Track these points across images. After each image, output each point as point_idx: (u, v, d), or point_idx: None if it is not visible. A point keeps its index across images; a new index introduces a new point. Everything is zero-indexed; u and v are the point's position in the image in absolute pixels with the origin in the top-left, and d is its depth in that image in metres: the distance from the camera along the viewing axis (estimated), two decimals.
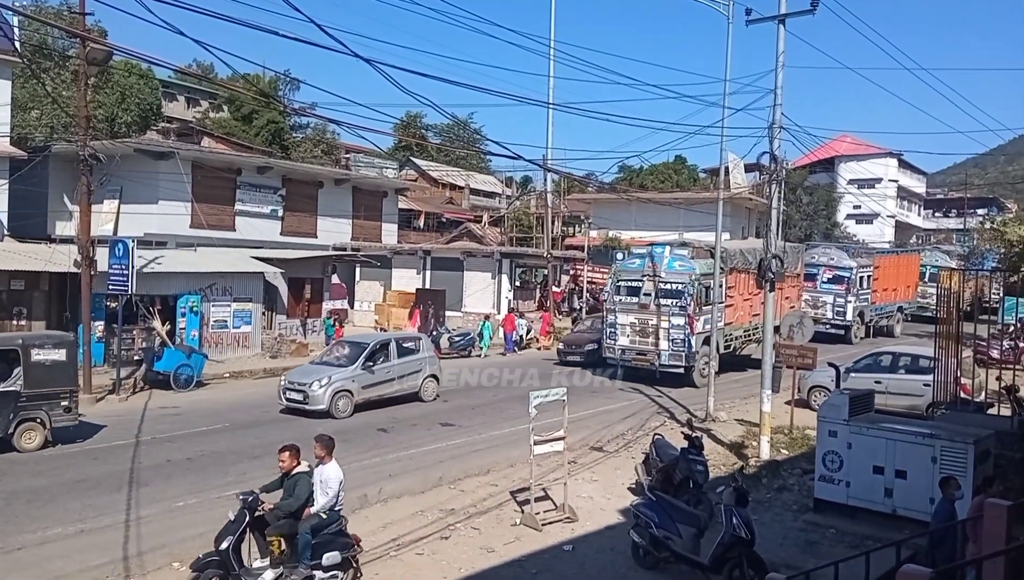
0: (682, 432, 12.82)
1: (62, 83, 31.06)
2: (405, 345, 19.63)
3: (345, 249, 34.38)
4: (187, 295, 24.09)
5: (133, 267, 20.44)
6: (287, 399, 17.85)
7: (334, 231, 34.18)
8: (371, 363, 18.32)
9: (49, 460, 13.93)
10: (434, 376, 19.90)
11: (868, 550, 8.14)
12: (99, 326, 21.60)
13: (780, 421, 16.81)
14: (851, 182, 56.99)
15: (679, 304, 21.45)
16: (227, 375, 22.91)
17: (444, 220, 52.06)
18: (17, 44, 23.39)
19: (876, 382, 16.66)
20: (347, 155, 53.00)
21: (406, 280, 36.96)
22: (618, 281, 22.90)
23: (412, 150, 61.57)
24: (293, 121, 50.36)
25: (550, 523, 11.10)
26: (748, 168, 43.26)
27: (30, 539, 10.20)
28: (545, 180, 37.68)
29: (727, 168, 21.18)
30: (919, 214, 79.78)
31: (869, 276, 32.62)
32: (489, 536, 10.67)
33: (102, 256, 20.63)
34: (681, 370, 21.54)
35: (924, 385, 16.42)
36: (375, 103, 32.67)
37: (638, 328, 22.11)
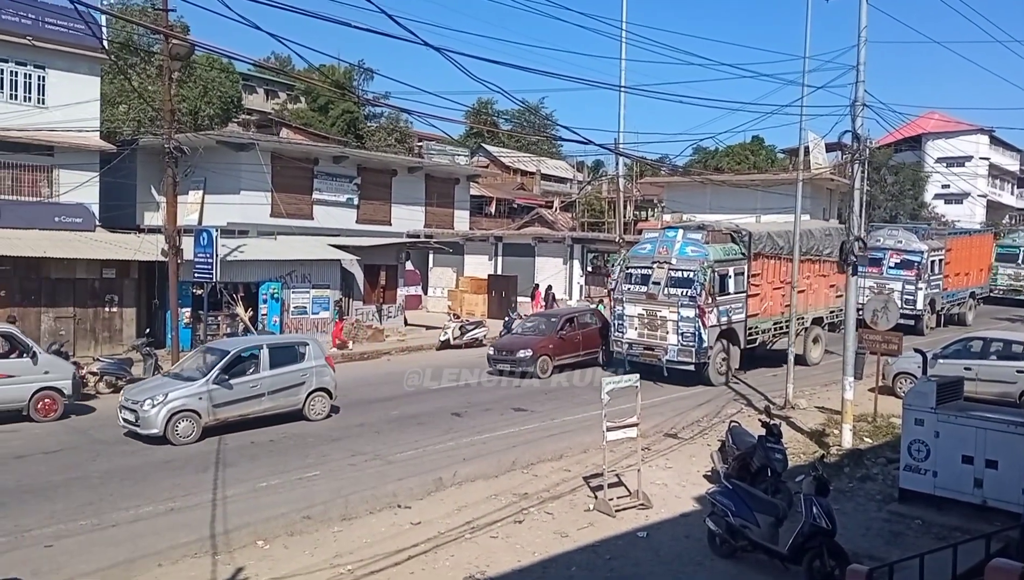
0: (759, 419, 12.56)
1: (147, 78, 32.29)
2: (282, 353, 16.04)
3: (418, 236, 34.82)
4: (268, 282, 24.84)
5: (217, 255, 21.22)
6: (123, 420, 14.72)
7: (408, 218, 34.62)
8: (227, 376, 14.89)
9: (140, 441, 14.60)
10: (324, 390, 16.28)
11: (956, 542, 7.83)
12: (186, 312, 22.45)
13: (863, 409, 16.28)
14: (939, 161, 54.51)
15: (689, 294, 19.24)
16: None
17: (515, 206, 52.13)
18: (105, 42, 24.39)
19: (966, 369, 15.92)
20: (420, 143, 53.57)
21: (478, 266, 37.22)
22: (627, 268, 20.80)
23: (483, 137, 61.78)
24: (367, 111, 51.18)
25: (624, 509, 11.05)
26: (829, 148, 41.80)
27: (123, 516, 10.73)
28: (617, 164, 37.28)
29: (807, 148, 20.11)
30: (1012, 193, 75.78)
31: (941, 260, 29.84)
32: (562, 521, 10.69)
33: (188, 245, 21.45)
34: (691, 366, 19.40)
35: (1018, 371, 15.64)
36: (446, 91, 32.95)
37: (646, 320, 20.00)
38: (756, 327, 20.93)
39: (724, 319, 19.71)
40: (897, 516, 10.88)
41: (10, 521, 10.41)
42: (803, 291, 21.55)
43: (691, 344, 19.20)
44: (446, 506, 11.19)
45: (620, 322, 20.60)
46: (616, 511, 10.92)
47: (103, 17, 25.07)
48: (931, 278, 29.00)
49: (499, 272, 36.08)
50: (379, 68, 71.19)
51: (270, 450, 14.20)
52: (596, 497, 11.40)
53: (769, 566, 9.16)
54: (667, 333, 19.59)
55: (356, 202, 32.36)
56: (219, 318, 23.22)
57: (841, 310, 22.76)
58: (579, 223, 46.84)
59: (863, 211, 15.22)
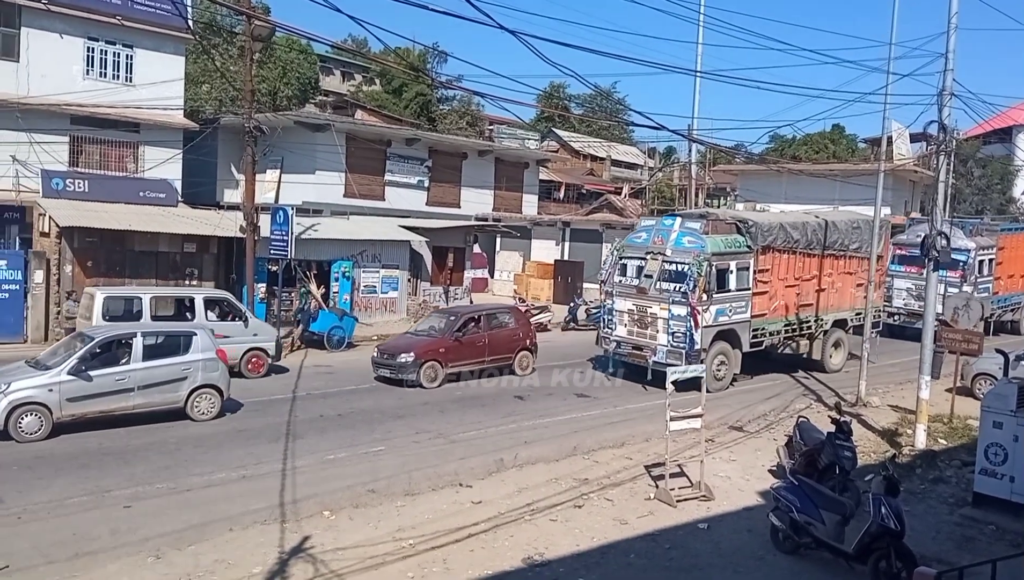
0: (829, 416, 12.29)
1: (229, 58, 33.23)
2: (161, 343, 14.23)
3: (487, 219, 35.00)
4: (340, 261, 25.38)
5: (292, 233, 21.76)
6: None
7: (476, 202, 34.82)
8: (86, 367, 13.17)
9: (386, 385, 15.62)
10: (212, 387, 14.37)
11: None
12: (261, 288, 23.10)
13: (939, 409, 15.76)
14: None
15: (682, 289, 17.49)
16: (375, 338, 24.00)
17: (584, 191, 51.85)
18: (190, 22, 25.15)
19: None
20: (491, 127, 53.71)
21: (545, 251, 37.21)
22: (621, 258, 19.02)
23: (554, 121, 61.55)
24: (440, 93, 51.54)
25: (685, 500, 10.98)
26: (914, 138, 40.35)
27: (197, 482, 11.19)
28: (690, 151, 36.69)
29: (890, 138, 19.41)
30: None
31: (991, 259, 27.08)
32: (622, 508, 10.69)
33: (265, 222, 22.07)
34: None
35: None
36: (519, 74, 32.95)
37: (636, 316, 18.28)
38: (763, 329, 18.88)
39: (723, 319, 17.86)
40: (970, 520, 10.53)
41: (91, 482, 10.96)
42: (823, 290, 20.25)
43: (681, 345, 17.35)
44: (507, 487, 11.31)
45: (609, 318, 18.98)
46: (677, 501, 10.86)
47: None
48: (978, 280, 26.28)
49: (566, 257, 36.01)
50: (453, 50, 71.63)
51: (338, 424, 14.57)
52: (657, 486, 11.35)
53: (832, 564, 9.00)
54: (657, 332, 17.85)
55: (427, 184, 32.69)
56: (293, 294, 23.82)
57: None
58: (649, 210, 46.34)
59: (947, 205, 14.66)
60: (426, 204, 32.56)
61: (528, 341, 19.60)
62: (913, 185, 43.43)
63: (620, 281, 18.79)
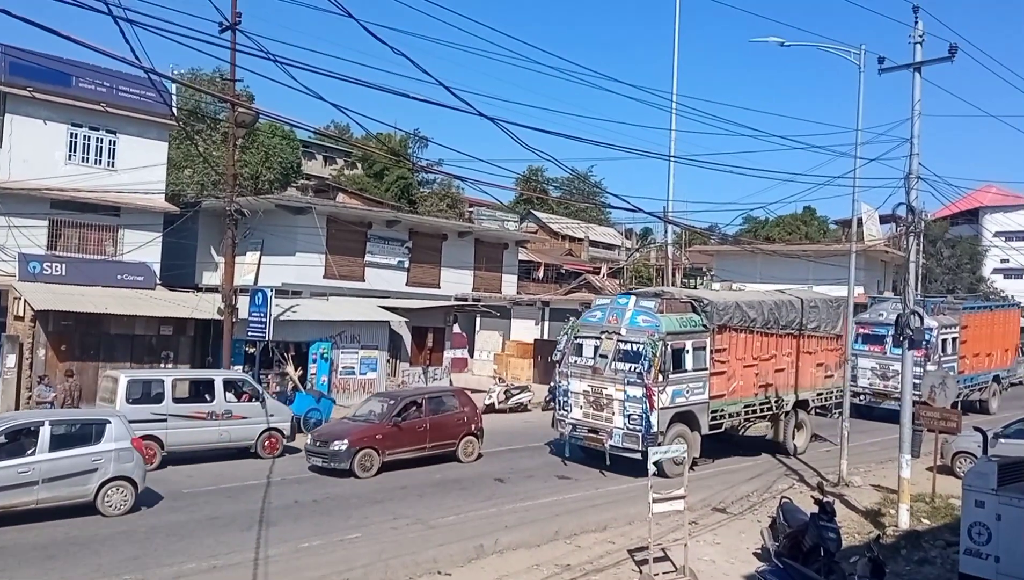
0: (812, 496, 12.22)
1: (212, 144, 33.69)
2: (70, 432, 13.36)
3: (466, 299, 35.11)
4: (319, 342, 25.22)
5: (271, 315, 21.70)
6: None
7: (456, 282, 35.00)
8: None
9: (188, 497, 14.76)
10: (126, 479, 13.32)
11: None
12: (238, 370, 22.85)
13: (921, 488, 15.68)
14: (997, 234, 53.35)
15: (636, 370, 16.82)
16: None
17: (563, 271, 52.37)
18: (174, 109, 25.61)
19: None
20: (470, 208, 54.51)
21: (525, 330, 37.27)
22: (576, 337, 18.45)
23: (533, 203, 62.59)
24: (420, 177, 52.40)
25: None
26: (883, 219, 41.38)
27: (167, 573, 10.79)
28: (666, 232, 37.35)
29: (860, 219, 19.86)
30: None
31: (955, 338, 26.57)
32: None
33: (243, 304, 21.99)
34: (637, 454, 16.49)
35: None
36: (498, 158, 33.65)
37: (591, 398, 17.59)
38: (722, 410, 18.23)
39: (680, 400, 17.24)
40: None
41: (57, 574, 10.54)
42: (783, 370, 19.84)
43: (638, 428, 16.66)
44: (487, 575, 11.01)
45: (565, 399, 18.21)
46: None
47: (173, 86, 26.40)
48: (942, 359, 25.65)
49: (546, 337, 36.06)
50: (433, 136, 73.15)
51: (313, 510, 14.21)
52: (641, 571, 11.11)
53: None
54: (613, 414, 17.15)
55: (407, 265, 32.88)
56: (270, 376, 23.56)
57: (831, 392, 21.27)
58: (627, 290, 46.79)
59: (918, 284, 14.97)
60: (406, 284, 32.67)
61: (473, 426, 18.71)
62: (884, 265, 44.34)
63: (575, 361, 18.18)
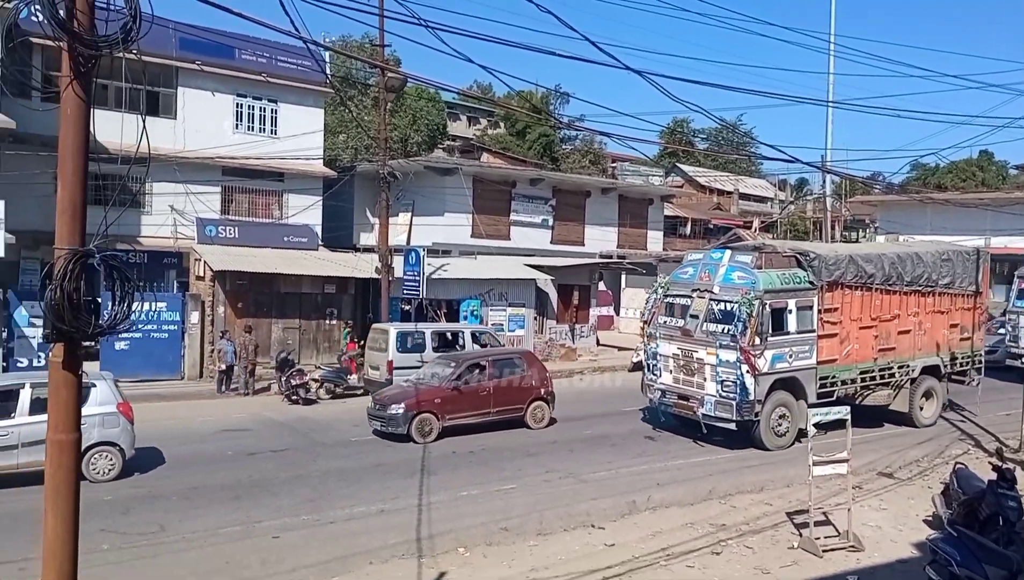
0: (990, 462, 11.38)
1: (363, 109, 34.94)
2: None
3: (611, 257, 34.86)
4: (469, 300, 25.93)
5: (424, 274, 22.50)
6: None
7: (601, 239, 34.79)
8: None
9: (353, 445, 15.70)
10: (109, 444, 12.91)
11: None
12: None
13: None
14: None
15: (730, 331, 15.39)
16: None
17: (711, 226, 50.91)
18: (329, 77, 26.70)
19: None
20: (613, 164, 53.81)
21: None
22: (666, 296, 17.26)
23: (678, 156, 60.97)
24: (563, 133, 52.18)
25: (831, 550, 10.37)
26: None
27: (340, 515, 11.58)
28: (824, 182, 35.40)
29: None
30: None
31: None
32: (763, 556, 10.22)
33: (398, 264, 22.92)
34: (732, 424, 15.40)
35: None
36: (642, 111, 33.04)
37: (681, 362, 16.25)
38: (833, 376, 16.51)
39: (781, 365, 15.66)
40: None
41: (243, 512, 11.55)
42: (907, 331, 17.78)
43: (732, 396, 15.21)
44: (640, 530, 11.06)
45: (654, 363, 16.93)
46: (823, 551, 10.27)
47: (327, 54, 27.48)
48: None
49: None
50: (575, 91, 72.48)
51: (470, 461, 14.76)
52: (801, 535, 10.79)
53: None
54: (704, 380, 15.79)
55: (551, 223, 33.00)
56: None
57: (968, 356, 18.97)
58: (723, 244, 44.94)
59: None
60: (551, 242, 32.82)
61: (543, 390, 17.73)
62: None
63: (665, 322, 16.91)
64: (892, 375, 17.59)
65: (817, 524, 10.76)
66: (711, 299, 15.96)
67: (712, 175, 60.04)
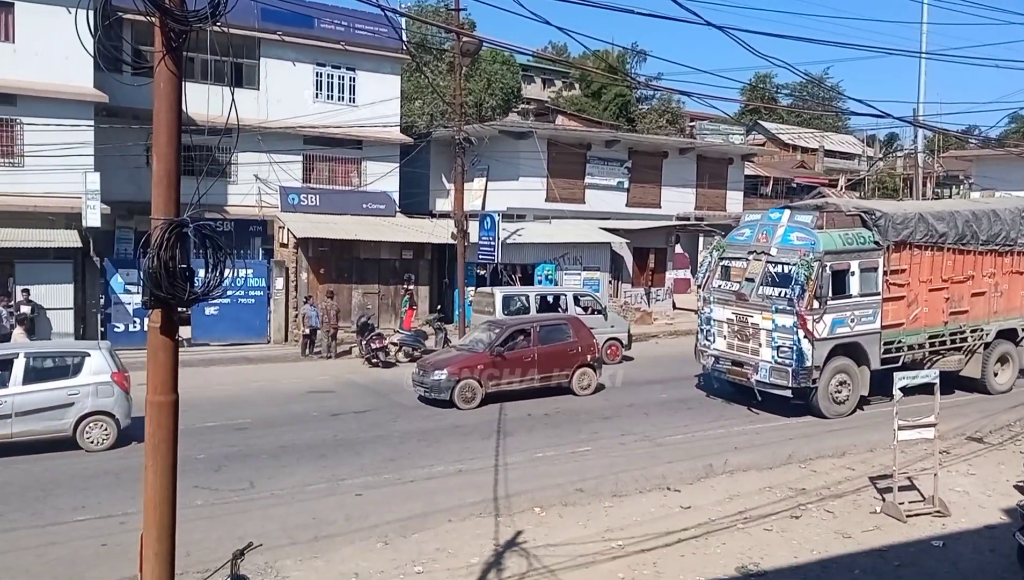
0: None
1: (439, 74, 35.08)
2: (47, 365, 12.87)
3: (688, 218, 34.30)
4: (543, 264, 26.02)
5: (499, 238, 22.66)
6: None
7: (678, 201, 34.24)
8: None
9: (432, 406, 16.08)
10: (105, 414, 12.73)
11: None
12: (471, 291, 24.21)
13: None
14: None
15: (787, 295, 14.81)
16: None
17: (794, 185, 49.34)
18: (405, 43, 26.90)
19: None
20: (692, 123, 52.59)
21: None
22: (721, 259, 16.61)
23: (760, 113, 59.11)
24: (640, 93, 51.24)
25: (916, 515, 10.15)
26: None
27: (420, 474, 11.93)
28: (915, 137, 33.85)
29: None
30: None
31: None
32: (844, 521, 10.09)
33: (473, 229, 23.14)
34: (787, 391, 14.92)
35: None
36: (721, 68, 32.09)
37: (736, 327, 15.68)
38: (899, 341, 15.78)
39: (842, 330, 15.01)
40: None
41: (328, 471, 12.03)
42: (982, 294, 16.89)
43: (788, 362, 14.65)
44: (717, 494, 11.05)
45: (707, 328, 16.44)
46: (907, 516, 10.07)
47: (403, 20, 27.67)
48: None
49: None
50: (652, 49, 70.91)
51: (546, 423, 14.95)
52: (884, 500, 10.59)
53: None
54: (759, 345, 15.23)
55: (626, 185, 32.63)
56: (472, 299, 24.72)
57: None
58: (785, 204, 43.25)
59: None
60: (626, 205, 32.49)
61: (589, 356, 17.29)
62: None
63: (720, 285, 16.30)
64: (964, 340, 16.82)
65: (901, 489, 10.54)
66: (768, 261, 15.34)
67: (796, 132, 58.03)
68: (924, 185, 32.12)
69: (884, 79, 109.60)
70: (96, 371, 12.78)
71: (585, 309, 20.91)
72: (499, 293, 20.68)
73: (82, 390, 12.62)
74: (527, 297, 20.84)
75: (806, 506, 10.56)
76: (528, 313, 19.83)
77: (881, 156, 52.42)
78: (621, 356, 20.87)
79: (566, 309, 20.75)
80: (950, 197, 46.59)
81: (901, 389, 10.28)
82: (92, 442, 12.66)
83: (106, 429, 12.75)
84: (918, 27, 29.34)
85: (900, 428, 10.29)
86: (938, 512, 10.20)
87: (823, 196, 42.81)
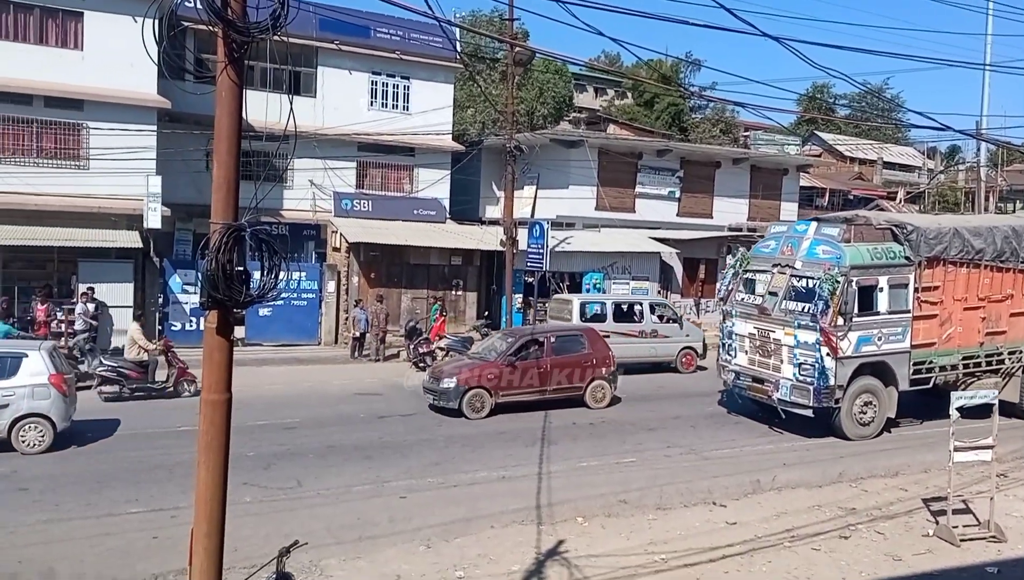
0: None
1: (491, 83, 35.31)
2: None
3: (741, 229, 33.83)
4: (591, 273, 25.95)
5: (547, 246, 22.71)
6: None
7: (730, 211, 33.80)
8: None
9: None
10: (41, 416, 12.47)
11: None
12: (518, 298, 24.33)
13: None
14: None
15: (810, 311, 14.25)
16: None
17: (851, 197, 48.32)
18: (459, 53, 27.16)
19: None
20: (745, 133, 51.90)
21: None
22: (745, 271, 16.15)
23: (817, 124, 58.08)
24: (693, 103, 50.80)
25: (970, 539, 9.85)
26: None
27: (463, 479, 12.00)
28: (978, 151, 32.92)
29: None
30: None
31: None
32: (895, 543, 9.84)
33: (522, 236, 23.23)
34: (808, 411, 14.35)
35: None
36: (777, 79, 31.62)
37: (758, 342, 15.17)
38: (930, 362, 15.11)
39: (868, 348, 14.44)
40: None
41: (373, 472, 12.18)
42: (1022, 313, 16.13)
43: (809, 380, 14.12)
44: (763, 510, 10.88)
45: (729, 342, 15.99)
46: (961, 540, 9.78)
47: (457, 31, 27.96)
48: None
49: None
50: (706, 58, 70.29)
51: (590, 433, 14.91)
52: (937, 522, 10.31)
53: None
54: (781, 362, 14.71)
55: (678, 195, 32.36)
56: (547, 305, 24.76)
57: None
58: (816, 216, 42.09)
59: None
60: (677, 215, 32.21)
61: (604, 369, 16.90)
62: None
63: (742, 299, 15.85)
64: (1001, 362, 16.08)
65: (956, 512, 10.24)
66: (792, 275, 14.83)
67: (854, 143, 56.86)
68: (987, 199, 31.17)
69: (946, 90, 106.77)
70: (34, 373, 12.54)
71: (660, 318, 21.27)
72: (576, 300, 21.05)
73: (17, 391, 12.41)
74: (604, 304, 21.25)
75: (856, 526, 10.33)
76: (605, 321, 20.22)
77: (942, 169, 51.01)
78: (695, 366, 21.25)
79: (641, 317, 21.13)
80: (1013, 212, 45.14)
81: (958, 409, 10.00)
82: (27, 444, 12.43)
83: (42, 431, 12.53)
84: (982, 38, 28.57)
85: (956, 449, 10.01)
86: (993, 537, 9.88)
87: (880, 208, 41.87)
